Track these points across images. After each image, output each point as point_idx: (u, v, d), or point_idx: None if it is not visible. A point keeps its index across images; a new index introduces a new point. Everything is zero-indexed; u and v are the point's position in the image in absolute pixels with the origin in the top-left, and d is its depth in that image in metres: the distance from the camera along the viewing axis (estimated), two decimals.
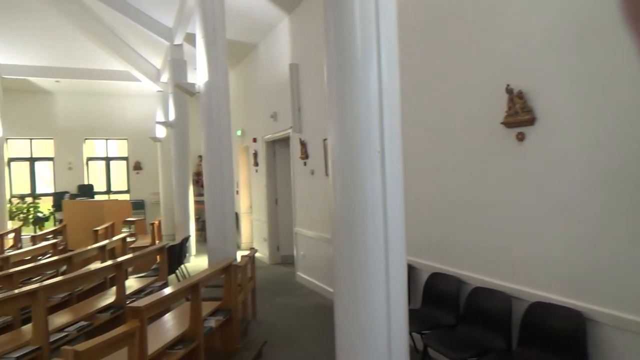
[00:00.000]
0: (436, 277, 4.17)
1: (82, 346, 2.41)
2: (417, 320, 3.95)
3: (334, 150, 2.56)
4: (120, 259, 5.06)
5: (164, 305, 3.72)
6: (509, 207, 3.38)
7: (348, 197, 2.46)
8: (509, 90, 3.24)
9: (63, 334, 3.96)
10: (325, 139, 6.31)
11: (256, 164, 9.71)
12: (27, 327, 4.16)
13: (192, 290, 3.77)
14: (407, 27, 4.02)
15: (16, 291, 3.76)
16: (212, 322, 4.16)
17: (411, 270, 4.39)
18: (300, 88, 7.19)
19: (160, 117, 11.81)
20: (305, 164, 7.22)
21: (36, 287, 3.65)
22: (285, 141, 8.38)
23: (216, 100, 5.57)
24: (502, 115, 3.32)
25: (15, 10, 9.59)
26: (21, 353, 3.49)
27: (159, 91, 11.94)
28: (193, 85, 5.88)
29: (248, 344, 4.68)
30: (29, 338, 3.72)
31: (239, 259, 5.41)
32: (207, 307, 4.26)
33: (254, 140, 9.60)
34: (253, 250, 5.96)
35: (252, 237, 10.50)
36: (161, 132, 12.17)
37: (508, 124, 3.28)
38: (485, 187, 3.61)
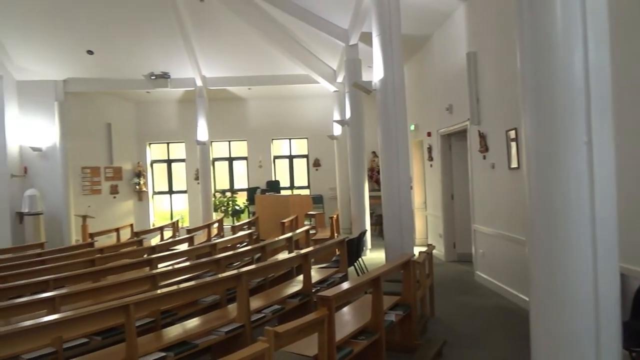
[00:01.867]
0: None
1: (280, 328, 2.64)
2: (625, 334, 3.41)
3: (530, 142, 2.34)
4: (305, 250, 5.44)
5: (350, 296, 3.88)
6: None
7: (547, 195, 2.21)
8: None
9: (261, 315, 4.43)
10: (508, 130, 5.87)
11: (430, 159, 9.53)
12: (231, 306, 4.76)
13: (374, 284, 3.86)
14: None
15: (224, 274, 4.32)
16: (392, 316, 4.20)
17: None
18: (478, 77, 6.81)
19: (336, 116, 12.39)
20: (484, 157, 6.82)
21: (241, 272, 4.14)
22: (461, 134, 8.04)
23: (392, 96, 5.61)
24: None
25: (216, 31, 11.05)
26: (229, 328, 4.01)
27: (335, 91, 12.53)
28: (370, 83, 6.01)
29: (428, 342, 4.61)
30: (234, 316, 4.26)
31: (415, 254, 5.38)
32: (386, 301, 4.32)
33: (429, 134, 9.43)
34: (431, 246, 5.86)
35: (426, 233, 10.35)
36: (338, 130, 12.76)
37: None
38: None
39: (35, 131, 12.04)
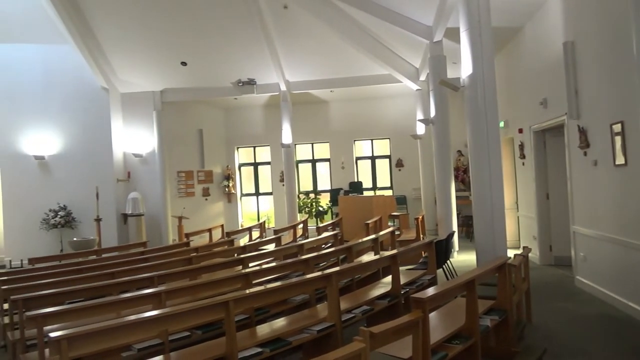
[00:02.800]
0: None
1: (376, 329, 2.64)
2: None
3: None
4: (394, 252, 5.40)
5: (444, 299, 3.80)
6: None
7: None
8: None
9: (350, 315, 4.46)
10: (613, 123, 5.42)
11: (522, 156, 9.04)
12: (320, 306, 4.84)
13: (468, 287, 3.73)
14: None
15: (315, 274, 4.40)
16: (487, 321, 4.04)
17: None
18: (577, 68, 6.35)
19: (420, 115, 12.16)
20: (585, 153, 6.34)
21: (331, 272, 4.20)
22: (557, 129, 7.54)
23: (482, 92, 5.39)
24: None
25: (298, 36, 11.32)
26: (320, 327, 4.08)
27: (417, 89, 12.31)
28: (457, 79, 5.83)
29: (526, 349, 4.38)
30: (323, 315, 4.32)
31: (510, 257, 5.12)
32: (480, 306, 4.16)
33: (520, 131, 8.95)
34: (527, 249, 5.55)
35: (517, 235, 9.82)
36: (421, 129, 12.51)
37: None
38: None
39: (137, 139, 13.08)
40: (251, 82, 12.61)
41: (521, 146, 9.02)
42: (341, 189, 14.28)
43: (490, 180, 5.45)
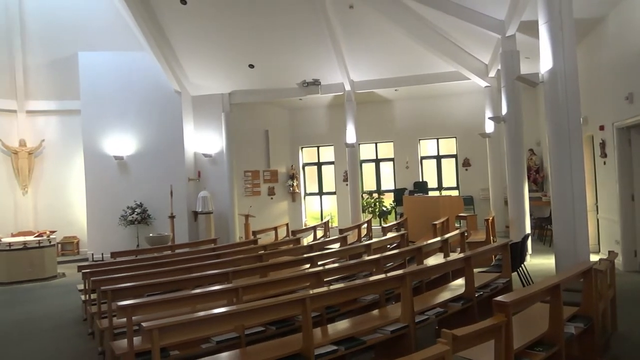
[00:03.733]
0: None
1: (459, 332, 2.58)
2: None
3: None
4: (468, 254, 5.25)
5: (527, 304, 3.64)
6: None
7: None
8: None
9: (423, 317, 4.39)
10: None
11: (603, 155, 8.48)
12: (390, 307, 4.80)
13: (553, 292, 3.56)
14: None
15: (388, 274, 4.37)
16: (571, 329, 3.83)
17: None
18: None
19: (489, 113, 11.75)
20: None
21: (405, 272, 4.16)
22: None
23: (563, 88, 5.12)
24: None
25: (364, 35, 11.30)
26: (394, 328, 4.04)
27: (486, 86, 11.90)
28: (534, 75, 5.58)
29: None
30: (394, 316, 4.28)
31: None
32: (564, 312, 3.96)
33: (601, 127, 8.41)
34: (613, 254, 5.21)
35: (597, 239, 9.24)
36: (490, 127, 12.08)
37: None
38: None
39: (206, 139, 13.60)
40: (316, 83, 12.74)
41: (602, 144, 8.48)
42: (405, 189, 14.07)
43: (572, 181, 5.17)
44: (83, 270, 6.88)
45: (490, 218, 9.34)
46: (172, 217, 12.28)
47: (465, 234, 9.57)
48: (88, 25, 12.29)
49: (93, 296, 6.16)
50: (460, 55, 11.40)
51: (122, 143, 13.13)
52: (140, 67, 12.87)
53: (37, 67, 13.00)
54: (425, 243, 6.73)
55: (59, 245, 13.05)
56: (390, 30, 10.77)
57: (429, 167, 14.95)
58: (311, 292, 3.69)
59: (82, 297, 7.16)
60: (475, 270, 6.59)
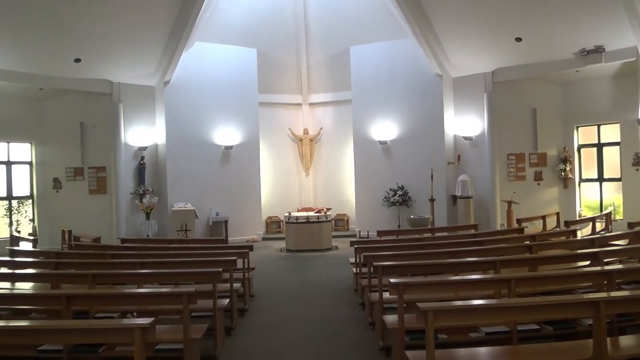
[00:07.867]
0: None
1: None
2: None
3: None
4: None
5: None
6: None
7: None
8: None
9: None
10: None
11: None
12: None
13: None
14: None
15: None
16: None
17: None
18: None
19: None
20: None
21: None
22: None
23: None
24: None
25: None
26: None
27: None
28: None
29: None
30: None
31: None
32: None
33: None
34: None
35: None
36: None
37: None
38: None
39: (467, 122, 13.24)
40: (598, 50, 10.90)
41: None
42: None
43: None
44: (355, 246, 7.56)
45: None
46: (432, 200, 12.46)
47: None
48: (357, 20, 13.48)
49: (363, 269, 6.71)
50: None
51: (386, 128, 13.96)
52: (403, 53, 13.45)
53: (317, 64, 15.14)
54: None
55: (333, 221, 14.80)
56: None
57: None
58: (607, 294, 3.15)
59: (353, 269, 7.91)
60: None
